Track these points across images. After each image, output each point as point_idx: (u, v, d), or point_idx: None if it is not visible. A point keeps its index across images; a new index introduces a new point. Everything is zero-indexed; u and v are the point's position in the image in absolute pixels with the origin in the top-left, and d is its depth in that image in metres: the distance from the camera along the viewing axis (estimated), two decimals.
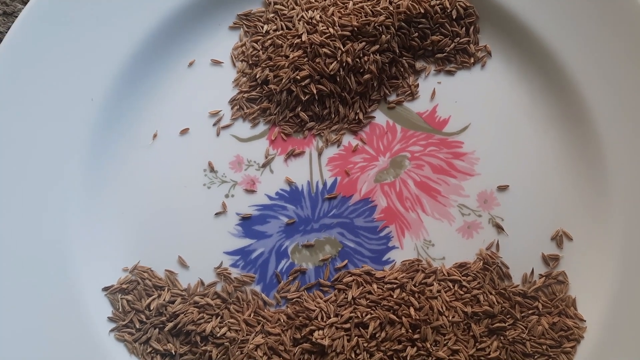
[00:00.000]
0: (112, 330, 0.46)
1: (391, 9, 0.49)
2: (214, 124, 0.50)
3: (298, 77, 0.49)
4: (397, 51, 0.50)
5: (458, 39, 0.51)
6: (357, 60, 0.49)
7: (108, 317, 0.46)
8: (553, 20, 0.49)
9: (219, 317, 0.46)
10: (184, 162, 0.49)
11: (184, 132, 0.49)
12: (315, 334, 0.45)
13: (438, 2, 0.50)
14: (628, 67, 0.48)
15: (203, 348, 0.45)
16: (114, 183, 0.49)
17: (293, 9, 0.51)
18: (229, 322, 0.46)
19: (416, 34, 0.50)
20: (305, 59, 0.49)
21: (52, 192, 0.47)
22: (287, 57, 0.49)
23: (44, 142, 0.47)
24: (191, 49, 0.51)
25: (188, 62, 0.50)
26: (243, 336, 0.46)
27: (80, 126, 0.48)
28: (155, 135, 0.49)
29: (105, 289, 0.47)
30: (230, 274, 0.48)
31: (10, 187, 0.46)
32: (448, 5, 0.50)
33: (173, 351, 0.46)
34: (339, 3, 0.50)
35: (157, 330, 0.46)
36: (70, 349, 0.45)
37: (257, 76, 0.50)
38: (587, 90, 0.49)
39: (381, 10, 0.49)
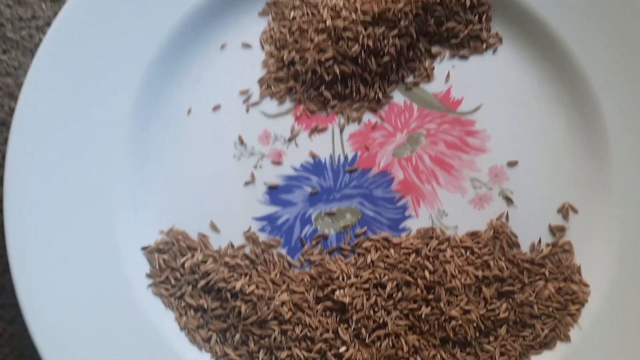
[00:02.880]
0: (150, 286, 0.47)
1: None
2: (244, 101, 0.50)
3: (322, 59, 0.49)
4: (415, 36, 0.49)
5: (471, 26, 0.50)
6: (378, 43, 0.48)
7: (146, 274, 0.47)
8: (560, 10, 0.49)
9: (248, 277, 0.47)
10: (215, 136, 0.49)
11: (216, 108, 0.50)
12: (337, 292, 0.46)
13: None
14: (628, 53, 0.48)
15: (233, 304, 0.46)
16: (153, 155, 0.49)
17: None
18: (257, 280, 0.46)
19: (432, 21, 0.50)
20: (329, 42, 0.49)
21: (97, 164, 0.47)
22: (312, 40, 0.49)
23: (92, 115, 0.47)
24: (223, 32, 0.50)
25: (220, 45, 0.50)
26: (270, 294, 0.46)
27: (122, 101, 0.48)
28: (189, 111, 0.49)
29: (144, 248, 0.47)
30: (258, 237, 0.48)
31: (61, 155, 0.47)
32: None
33: (205, 306, 0.46)
34: None
35: (190, 286, 0.47)
36: (112, 301, 0.45)
37: (284, 58, 0.50)
38: (591, 73, 0.49)
39: None
